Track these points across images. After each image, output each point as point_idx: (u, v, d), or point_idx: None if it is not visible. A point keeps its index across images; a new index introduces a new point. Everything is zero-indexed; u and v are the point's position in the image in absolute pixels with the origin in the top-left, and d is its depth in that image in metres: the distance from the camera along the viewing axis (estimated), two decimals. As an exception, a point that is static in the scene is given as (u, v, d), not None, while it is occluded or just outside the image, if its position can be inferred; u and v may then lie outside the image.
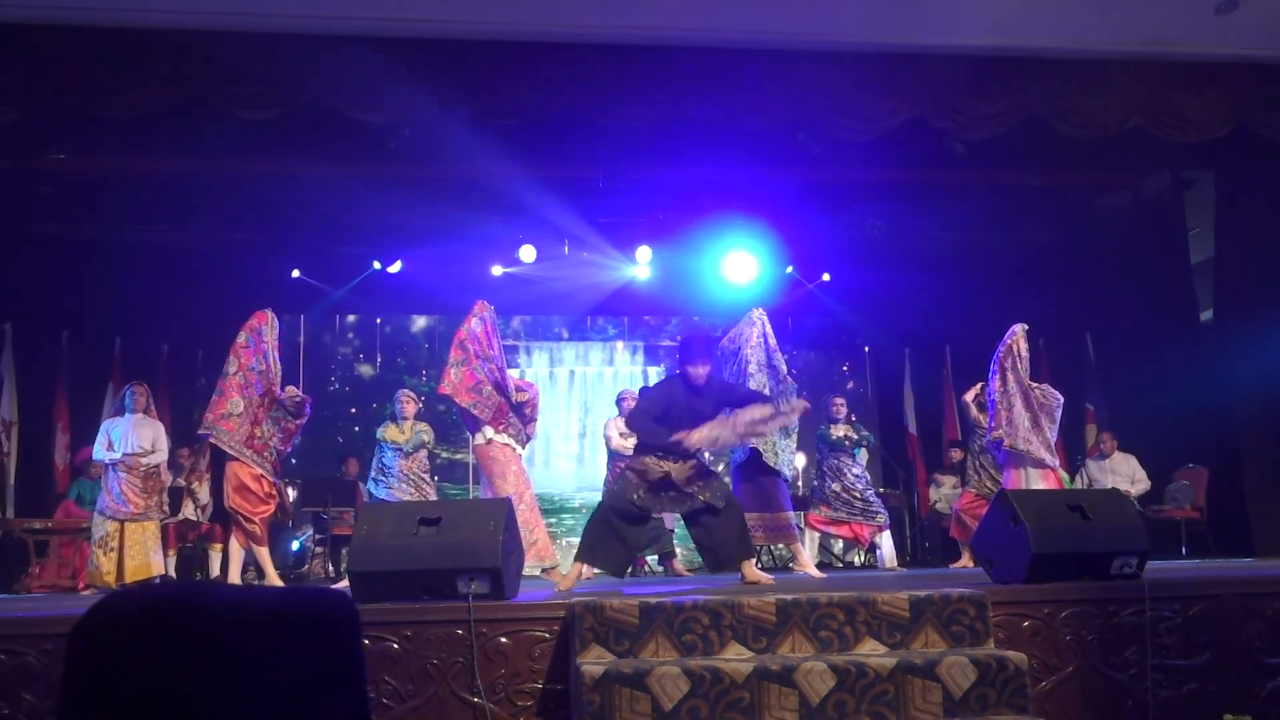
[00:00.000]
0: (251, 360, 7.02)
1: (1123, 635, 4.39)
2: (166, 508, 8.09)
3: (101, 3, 7.15)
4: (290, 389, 7.19)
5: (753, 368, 6.99)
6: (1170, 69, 8.28)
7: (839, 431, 8.48)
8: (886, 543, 8.59)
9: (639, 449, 5.82)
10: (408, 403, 7.98)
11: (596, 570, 5.88)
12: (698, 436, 5.47)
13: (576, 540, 11.28)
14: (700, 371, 5.69)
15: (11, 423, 10.13)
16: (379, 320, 12.17)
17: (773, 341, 7.19)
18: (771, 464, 7.03)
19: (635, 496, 5.58)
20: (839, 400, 8.64)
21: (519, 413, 7.04)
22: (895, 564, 8.53)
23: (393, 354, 12.25)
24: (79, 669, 1.15)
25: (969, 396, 8.69)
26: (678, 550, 9.12)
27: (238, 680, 1.15)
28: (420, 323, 12.33)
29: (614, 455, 8.53)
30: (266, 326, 7.10)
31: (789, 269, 11.93)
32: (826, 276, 11.83)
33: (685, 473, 5.62)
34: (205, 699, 1.14)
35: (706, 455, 5.89)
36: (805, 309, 12.30)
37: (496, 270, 11.56)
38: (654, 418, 5.67)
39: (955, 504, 9.25)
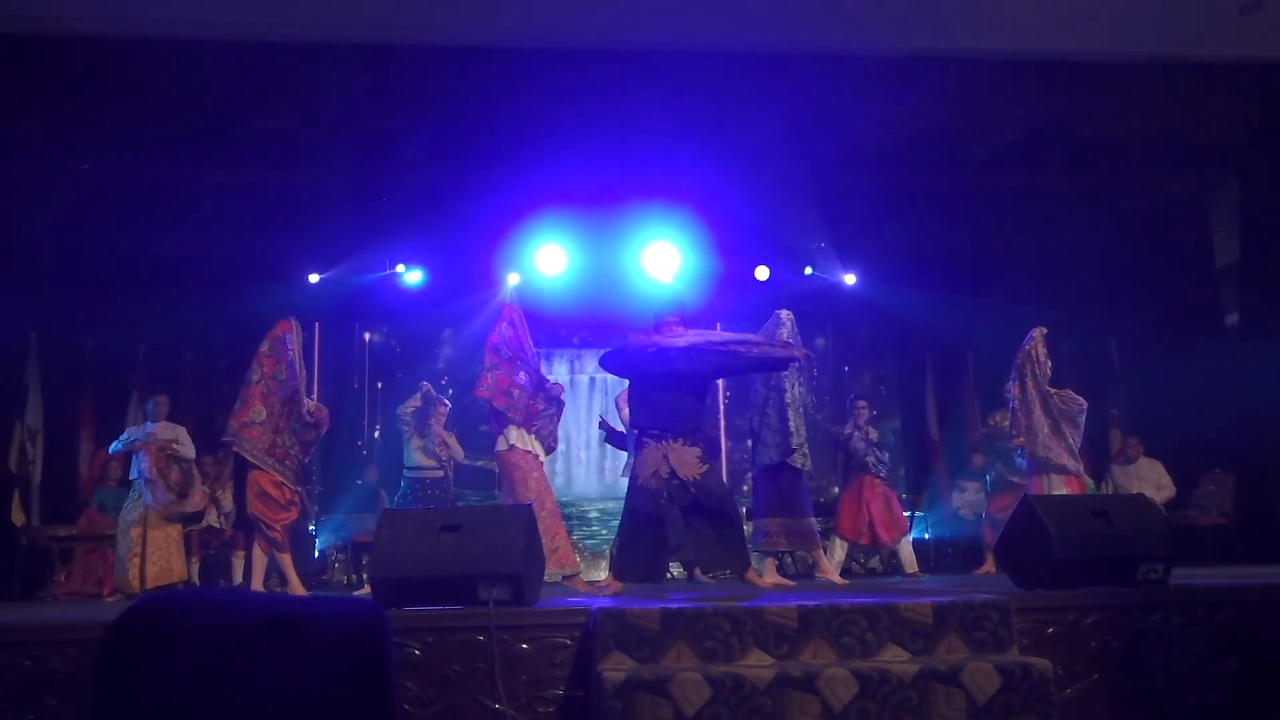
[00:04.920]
0: (274, 369, 7.04)
1: (1148, 642, 4.35)
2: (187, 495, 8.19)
3: (124, 15, 7.21)
4: (309, 402, 7.21)
5: (787, 370, 6.96)
6: (1194, 71, 8.22)
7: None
8: (906, 548, 8.54)
9: (637, 434, 5.89)
10: (440, 412, 8.01)
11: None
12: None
13: (598, 547, 11.42)
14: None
15: (37, 430, 10.20)
16: (399, 327, 12.19)
17: (799, 340, 7.17)
18: (801, 465, 6.99)
19: (661, 500, 5.67)
20: (861, 402, 8.61)
21: (552, 401, 7.09)
22: (915, 569, 8.48)
23: (413, 361, 12.26)
24: (113, 670, 1.15)
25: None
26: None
27: (266, 685, 1.15)
28: (440, 329, 12.34)
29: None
30: (291, 335, 7.13)
31: (808, 270, 11.89)
32: (851, 279, 11.75)
33: (688, 460, 5.66)
34: (234, 702, 1.14)
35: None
36: (826, 313, 12.24)
37: (514, 278, 11.58)
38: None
39: (987, 508, 9.19)
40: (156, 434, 7.72)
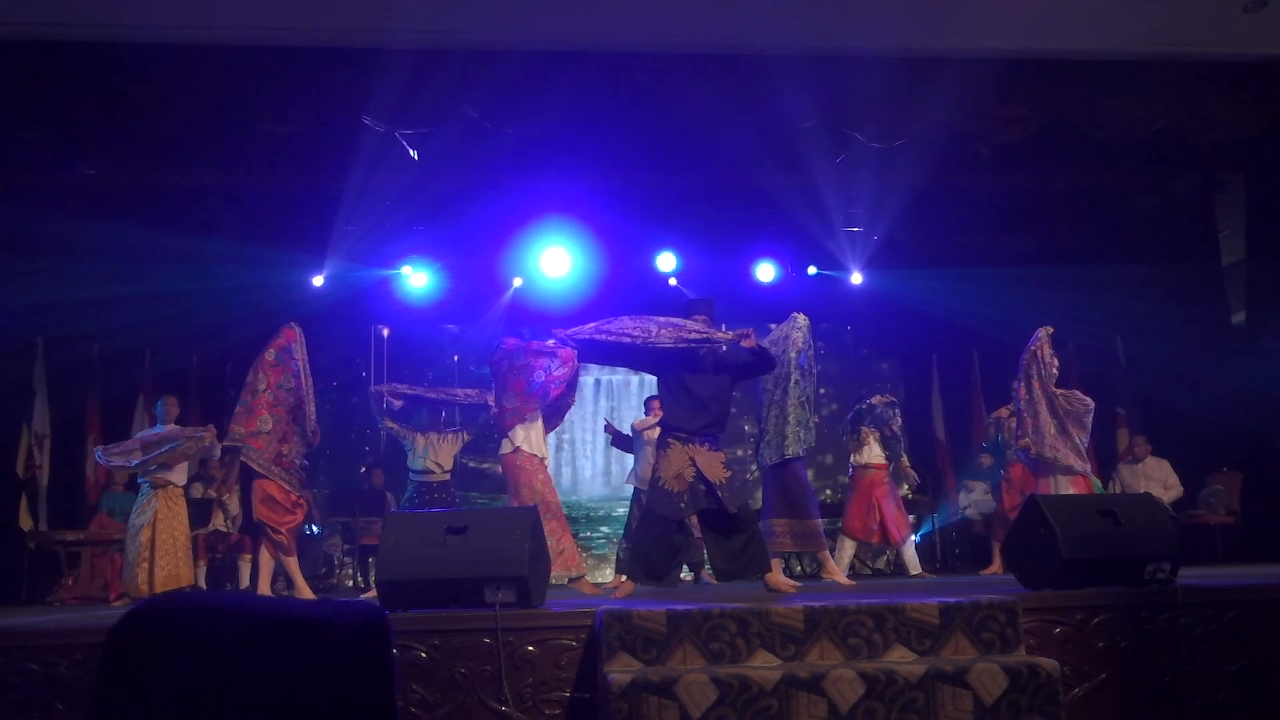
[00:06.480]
0: (280, 379, 7.07)
1: (1156, 642, 4.34)
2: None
3: (127, 20, 7.22)
4: (312, 417, 7.21)
5: (797, 373, 6.95)
6: (1199, 69, 8.20)
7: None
8: (909, 550, 8.52)
9: (662, 434, 5.86)
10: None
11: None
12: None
13: (603, 550, 11.42)
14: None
15: (44, 435, 10.21)
16: (405, 331, 12.18)
17: (811, 343, 7.16)
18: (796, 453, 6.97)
19: (681, 505, 5.64)
20: (879, 400, 8.59)
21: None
22: (919, 570, 8.46)
23: (420, 365, 12.27)
24: (113, 673, 1.15)
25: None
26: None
27: (268, 688, 1.15)
28: (446, 333, 12.35)
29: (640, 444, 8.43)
30: (296, 345, 7.15)
31: (812, 270, 11.89)
32: (857, 278, 11.73)
33: (715, 465, 5.65)
34: (236, 706, 1.14)
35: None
36: (831, 313, 12.23)
37: (518, 281, 11.60)
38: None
39: (996, 508, 9.16)
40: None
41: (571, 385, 7.42)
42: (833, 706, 3.76)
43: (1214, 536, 9.46)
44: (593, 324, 5.74)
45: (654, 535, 5.76)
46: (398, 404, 7.92)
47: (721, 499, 5.63)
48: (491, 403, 7.58)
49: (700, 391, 5.74)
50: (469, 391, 7.95)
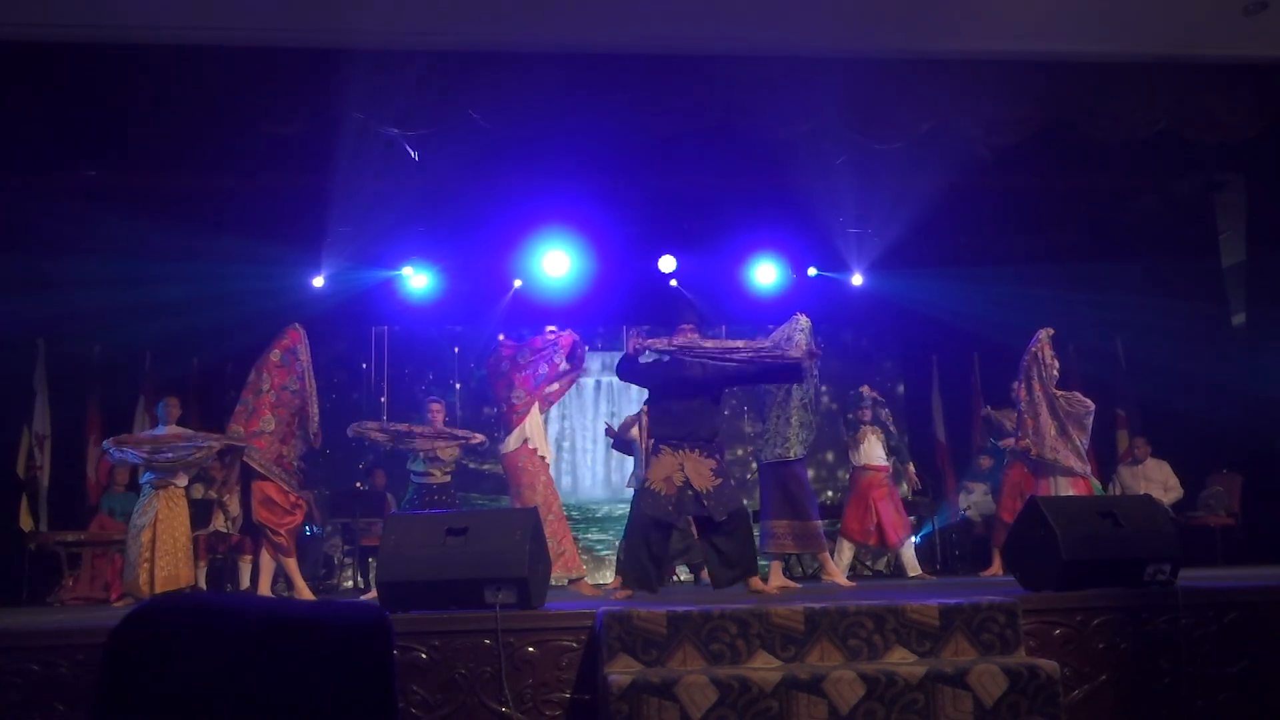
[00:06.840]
0: (285, 380, 7.08)
1: (1156, 643, 4.34)
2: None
3: (127, 21, 7.22)
4: (314, 421, 7.21)
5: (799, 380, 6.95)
6: (1199, 70, 8.20)
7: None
8: (908, 551, 8.52)
9: (655, 442, 5.93)
10: (437, 414, 8.01)
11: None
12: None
13: (604, 552, 11.41)
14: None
15: (44, 436, 10.21)
16: (406, 331, 12.18)
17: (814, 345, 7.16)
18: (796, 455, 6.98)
19: (669, 507, 5.69)
20: (868, 390, 8.60)
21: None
22: (918, 572, 8.46)
23: (421, 365, 12.27)
24: (114, 674, 1.16)
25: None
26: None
27: (268, 689, 1.15)
28: (448, 333, 12.34)
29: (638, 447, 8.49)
30: (301, 346, 7.17)
31: (812, 271, 11.88)
32: (858, 279, 11.71)
33: (703, 472, 5.70)
34: (236, 706, 1.14)
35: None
36: (830, 315, 12.21)
37: (518, 283, 11.60)
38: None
39: (996, 510, 9.16)
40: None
41: (574, 356, 7.53)
42: (833, 708, 3.76)
43: (1214, 538, 9.46)
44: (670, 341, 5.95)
45: (640, 538, 5.81)
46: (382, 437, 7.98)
47: (706, 507, 5.70)
48: (478, 442, 7.81)
49: (685, 402, 5.90)
50: (457, 432, 8.00)
